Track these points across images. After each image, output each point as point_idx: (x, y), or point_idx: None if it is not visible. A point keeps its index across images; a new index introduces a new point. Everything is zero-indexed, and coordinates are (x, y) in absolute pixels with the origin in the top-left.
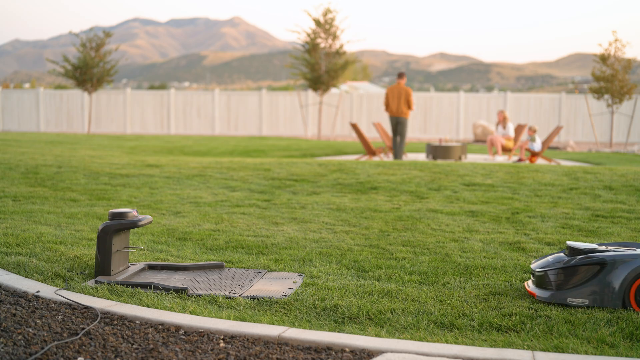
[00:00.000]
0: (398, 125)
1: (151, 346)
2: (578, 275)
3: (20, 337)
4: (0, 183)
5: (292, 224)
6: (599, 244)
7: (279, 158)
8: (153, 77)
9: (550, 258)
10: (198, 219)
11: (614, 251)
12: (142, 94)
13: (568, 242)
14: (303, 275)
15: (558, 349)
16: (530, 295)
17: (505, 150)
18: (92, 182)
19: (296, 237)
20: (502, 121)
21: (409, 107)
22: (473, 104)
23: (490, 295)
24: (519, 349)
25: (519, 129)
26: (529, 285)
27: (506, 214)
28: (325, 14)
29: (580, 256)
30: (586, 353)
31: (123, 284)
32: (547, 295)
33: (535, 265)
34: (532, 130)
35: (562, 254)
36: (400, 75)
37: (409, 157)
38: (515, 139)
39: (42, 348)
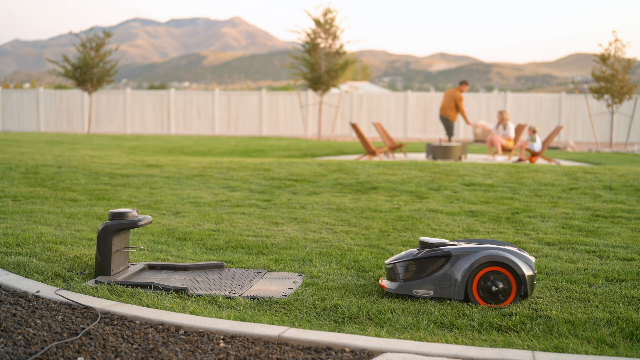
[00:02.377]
0: (442, 123)
1: (151, 346)
2: (424, 267)
3: (20, 337)
4: (0, 183)
5: (292, 224)
6: (456, 240)
7: (279, 158)
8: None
9: (403, 253)
10: (198, 219)
11: (464, 245)
12: (142, 94)
13: (420, 238)
14: (303, 275)
15: (558, 349)
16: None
17: (505, 150)
18: (92, 182)
19: (296, 237)
20: (502, 121)
21: (458, 111)
22: (473, 104)
23: None
24: (519, 349)
25: (518, 129)
26: (383, 279)
27: (506, 214)
28: (325, 14)
29: (427, 249)
30: (586, 353)
31: (123, 284)
32: (395, 287)
33: (388, 260)
34: (533, 130)
35: (415, 249)
36: (460, 82)
37: (409, 157)
38: (515, 139)
39: (42, 348)
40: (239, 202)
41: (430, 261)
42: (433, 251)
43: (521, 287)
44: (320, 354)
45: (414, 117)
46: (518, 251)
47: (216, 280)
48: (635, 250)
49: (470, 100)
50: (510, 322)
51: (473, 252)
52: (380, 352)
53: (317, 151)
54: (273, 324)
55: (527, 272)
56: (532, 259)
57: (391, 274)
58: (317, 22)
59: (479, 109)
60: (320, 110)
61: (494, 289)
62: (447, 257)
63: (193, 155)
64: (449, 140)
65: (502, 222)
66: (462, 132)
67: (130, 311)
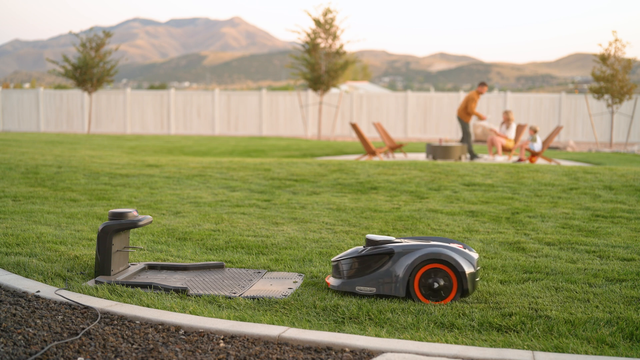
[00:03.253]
0: (459, 124)
1: (151, 346)
2: (367, 265)
3: (20, 337)
4: (0, 183)
5: (292, 224)
6: (403, 238)
7: (279, 158)
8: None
9: (349, 250)
10: (198, 219)
11: (407, 243)
12: (142, 94)
13: (367, 235)
14: (303, 275)
15: (558, 349)
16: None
17: (505, 150)
18: (92, 182)
19: (296, 237)
20: (506, 121)
21: (468, 112)
22: None
23: (490, 295)
24: (519, 349)
25: (519, 129)
26: (329, 276)
27: (506, 214)
28: (325, 14)
29: (371, 247)
30: (586, 353)
31: (123, 284)
32: (339, 284)
33: (333, 257)
34: (533, 130)
35: (362, 247)
36: (479, 84)
37: (409, 157)
38: (516, 139)
39: (42, 348)
40: (239, 202)
41: (373, 258)
42: (376, 249)
43: (462, 284)
44: (320, 354)
45: (414, 117)
46: (461, 248)
47: (216, 280)
48: (635, 250)
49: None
50: (510, 322)
51: (415, 250)
52: (380, 352)
53: (317, 151)
54: (273, 324)
55: (468, 269)
56: (475, 256)
57: (335, 271)
58: (317, 22)
59: (479, 109)
60: (320, 110)
61: (435, 285)
62: (390, 254)
63: (193, 155)
64: (462, 142)
65: (502, 222)
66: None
67: (130, 311)
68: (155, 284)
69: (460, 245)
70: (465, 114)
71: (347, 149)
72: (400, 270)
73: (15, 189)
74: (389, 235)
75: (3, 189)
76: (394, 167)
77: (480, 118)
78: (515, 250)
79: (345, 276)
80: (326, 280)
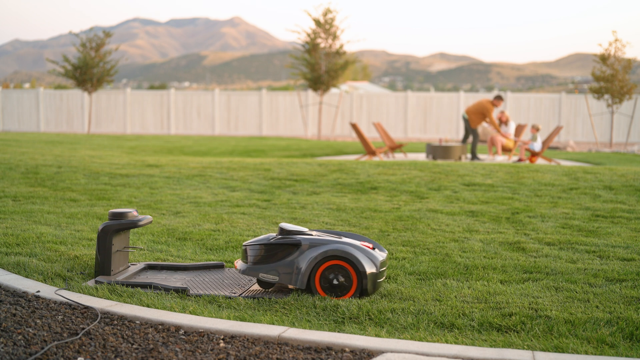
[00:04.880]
0: (464, 123)
1: (151, 346)
2: (274, 253)
3: (20, 337)
4: (0, 183)
5: (292, 224)
6: (316, 230)
7: (279, 158)
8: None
9: (260, 237)
10: (198, 219)
11: (317, 236)
12: (142, 94)
13: (280, 224)
14: None
15: (558, 349)
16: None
17: (505, 150)
18: (92, 182)
19: None
20: (505, 122)
21: (482, 120)
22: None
23: (490, 295)
24: (519, 349)
25: (518, 129)
26: (238, 260)
27: (506, 214)
28: (325, 14)
29: (281, 236)
30: (586, 353)
31: (123, 284)
32: (244, 269)
33: (245, 242)
34: (536, 129)
35: (274, 234)
36: (495, 97)
37: (409, 157)
38: (515, 139)
39: (42, 348)
40: (239, 202)
41: (281, 248)
42: (284, 238)
43: (362, 283)
44: (320, 354)
45: (414, 117)
46: (368, 248)
47: (216, 280)
48: (635, 250)
49: (470, 100)
50: (510, 322)
51: (321, 244)
52: (380, 352)
53: (317, 151)
54: (273, 324)
55: (370, 269)
56: (381, 257)
57: (243, 256)
58: (317, 22)
59: None
60: (320, 110)
61: (335, 282)
62: (297, 245)
63: (193, 155)
64: (464, 142)
65: (502, 222)
66: (463, 132)
67: (130, 311)
68: (155, 284)
69: (370, 245)
70: (476, 118)
71: (347, 149)
72: (304, 263)
73: (15, 189)
74: (388, 235)
75: (3, 189)
76: (394, 167)
77: (498, 130)
78: (515, 250)
79: (251, 262)
80: (235, 263)
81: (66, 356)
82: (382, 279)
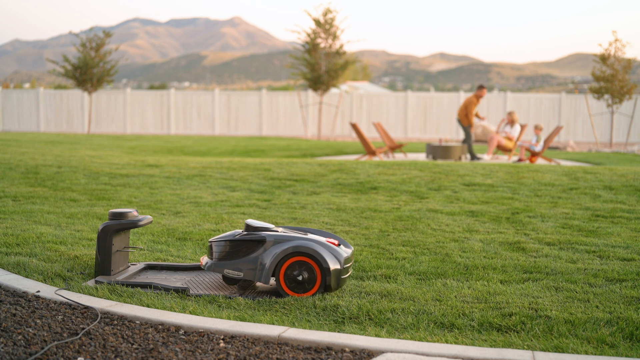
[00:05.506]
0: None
1: (151, 346)
2: (239, 249)
3: (20, 337)
4: (0, 183)
5: (292, 224)
6: (283, 227)
7: (279, 158)
8: (153, 77)
9: (227, 233)
10: (198, 219)
11: (283, 232)
12: (142, 94)
13: (247, 220)
14: None
15: (558, 349)
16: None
17: (506, 150)
18: (92, 182)
19: None
20: (511, 122)
21: (467, 115)
22: None
23: (490, 295)
24: (519, 349)
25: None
26: (204, 257)
27: (506, 214)
28: (325, 14)
29: (246, 232)
30: (586, 353)
31: (123, 284)
32: (209, 265)
33: (211, 238)
34: (539, 129)
35: (240, 231)
36: (477, 87)
37: (409, 157)
38: (517, 139)
39: (42, 348)
40: (239, 202)
41: (245, 244)
42: (249, 235)
43: (325, 279)
44: (320, 354)
45: (414, 117)
46: (332, 244)
47: (216, 280)
48: (635, 250)
49: None
50: (510, 322)
51: (284, 241)
52: (380, 352)
53: (317, 151)
54: (273, 324)
55: (333, 265)
56: (345, 254)
57: (209, 252)
58: (317, 22)
59: (479, 109)
60: (320, 110)
61: (300, 278)
62: (262, 242)
63: (193, 155)
64: (468, 143)
65: (502, 222)
66: (463, 132)
67: (130, 311)
68: (155, 284)
69: (335, 242)
70: (464, 116)
71: (347, 149)
72: (268, 259)
73: (15, 189)
74: (388, 235)
75: (3, 189)
76: (394, 167)
77: (471, 123)
78: (515, 250)
79: (216, 258)
80: (200, 260)
81: (66, 356)
82: (346, 275)
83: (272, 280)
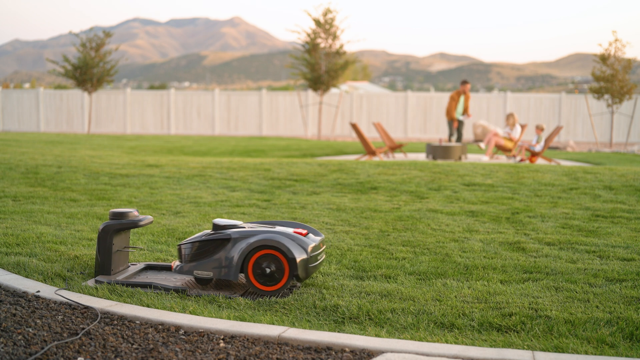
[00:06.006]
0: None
1: (151, 346)
2: (207, 249)
3: (20, 337)
4: (0, 183)
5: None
6: (251, 223)
7: (279, 158)
8: (153, 77)
9: (195, 234)
10: (198, 219)
11: (249, 228)
12: (142, 94)
13: (214, 220)
14: None
15: (558, 349)
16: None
17: (505, 150)
18: (92, 182)
19: None
20: (511, 124)
21: (454, 109)
22: (473, 104)
23: (490, 295)
24: (519, 349)
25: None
26: (175, 261)
27: (506, 214)
28: (325, 14)
29: (213, 231)
30: (586, 353)
31: (123, 284)
32: (179, 268)
33: (180, 242)
34: (540, 129)
35: (208, 231)
36: (460, 83)
37: (409, 157)
38: (517, 140)
39: (42, 348)
40: (239, 202)
41: (213, 243)
42: (215, 234)
43: (292, 269)
44: (320, 354)
45: (414, 117)
46: (298, 234)
47: (216, 280)
48: (635, 250)
49: (470, 101)
50: (510, 322)
51: (250, 236)
52: (380, 352)
53: (317, 151)
54: (273, 324)
55: (300, 255)
56: (312, 243)
57: (179, 255)
58: (317, 22)
59: (479, 109)
60: (320, 110)
61: (268, 271)
62: (228, 240)
63: (193, 155)
64: (449, 140)
65: (502, 222)
66: (463, 132)
67: (130, 311)
68: (155, 284)
69: (304, 231)
70: (447, 112)
71: (347, 149)
72: (235, 255)
73: (15, 189)
74: (388, 235)
75: (3, 189)
76: (394, 167)
77: (452, 116)
78: (515, 250)
79: (186, 260)
80: (172, 264)
81: (66, 356)
82: (315, 264)
83: (242, 277)
